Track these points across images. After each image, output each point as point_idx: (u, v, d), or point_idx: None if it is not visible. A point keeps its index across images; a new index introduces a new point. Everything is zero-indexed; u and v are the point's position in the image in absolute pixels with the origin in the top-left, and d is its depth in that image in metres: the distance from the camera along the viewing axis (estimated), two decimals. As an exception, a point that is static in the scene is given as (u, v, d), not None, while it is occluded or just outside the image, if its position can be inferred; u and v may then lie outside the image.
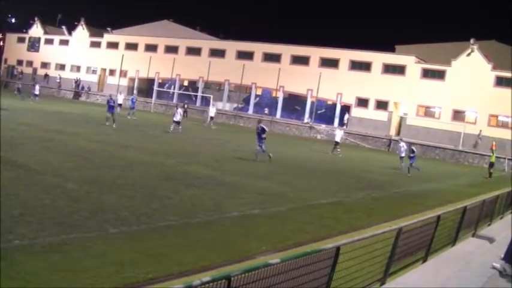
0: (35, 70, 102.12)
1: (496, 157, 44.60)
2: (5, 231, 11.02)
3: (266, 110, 73.79)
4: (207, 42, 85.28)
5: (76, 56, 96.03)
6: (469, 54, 62.15)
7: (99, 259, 10.32)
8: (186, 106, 68.06)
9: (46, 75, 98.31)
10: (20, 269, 9.24)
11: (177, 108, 43.75)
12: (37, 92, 60.92)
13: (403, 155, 37.65)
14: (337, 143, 43.81)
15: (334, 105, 72.10)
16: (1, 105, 36.09)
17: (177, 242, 12.38)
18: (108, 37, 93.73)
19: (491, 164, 43.03)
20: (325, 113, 73.43)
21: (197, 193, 18.37)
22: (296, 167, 30.74)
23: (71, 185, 16.67)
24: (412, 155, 35.40)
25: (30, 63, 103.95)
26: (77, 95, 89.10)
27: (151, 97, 79.16)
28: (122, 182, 18.44)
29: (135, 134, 36.98)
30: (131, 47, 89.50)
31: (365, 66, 68.85)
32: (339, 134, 44.88)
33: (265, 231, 14.44)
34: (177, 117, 41.94)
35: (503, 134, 57.48)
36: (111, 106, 39.45)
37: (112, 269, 9.89)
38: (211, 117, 58.73)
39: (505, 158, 52.03)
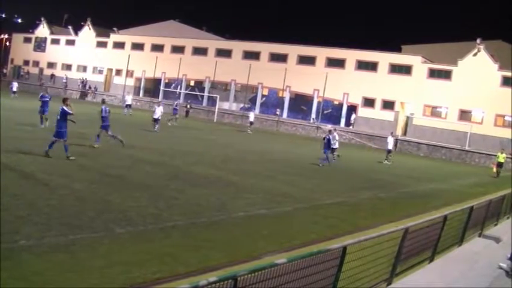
0: (41, 70, 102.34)
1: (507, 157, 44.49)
2: (12, 231, 11.06)
3: (278, 111, 73.71)
4: (214, 42, 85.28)
5: (82, 56, 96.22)
6: (475, 54, 61.97)
7: (106, 259, 10.34)
8: (188, 106, 68.01)
9: (52, 76, 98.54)
10: (27, 270, 9.27)
11: (158, 106, 43.16)
12: (15, 89, 60.68)
13: (336, 146, 35.45)
14: (389, 151, 42.35)
15: (340, 105, 72.01)
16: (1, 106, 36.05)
17: (183, 242, 12.39)
18: (114, 37, 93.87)
19: (500, 164, 43.09)
20: (332, 113, 73.35)
21: (203, 193, 18.37)
22: (302, 167, 30.71)
23: (77, 185, 16.71)
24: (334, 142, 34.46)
25: (36, 64, 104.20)
26: (83, 95, 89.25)
27: (158, 97, 79.21)
28: (129, 182, 18.47)
29: (140, 134, 36.98)
30: (137, 47, 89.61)
31: (371, 66, 68.74)
32: (391, 142, 42.73)
33: (271, 231, 14.43)
34: (157, 115, 40.85)
35: (510, 134, 57.23)
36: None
37: (118, 269, 9.91)
38: (251, 123, 58.43)
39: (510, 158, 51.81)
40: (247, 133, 53.89)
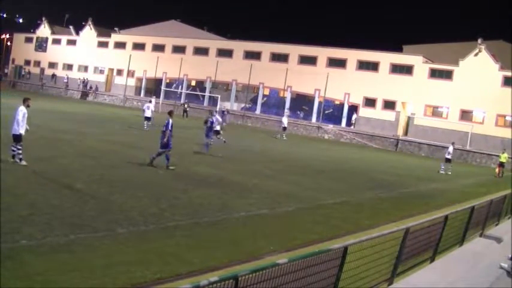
0: (42, 70, 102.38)
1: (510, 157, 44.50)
2: (13, 231, 11.09)
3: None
4: (215, 42, 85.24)
5: (83, 56, 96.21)
6: (476, 54, 61.91)
7: (108, 259, 10.37)
8: (186, 106, 67.90)
9: (53, 75, 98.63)
10: (29, 269, 9.29)
11: (150, 102, 42.81)
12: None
13: (218, 128, 33.48)
14: (448, 160, 39.38)
15: (341, 105, 71.98)
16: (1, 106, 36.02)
17: (185, 241, 12.41)
18: (115, 37, 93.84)
19: (502, 164, 43.17)
20: (333, 113, 73.32)
21: (205, 193, 18.40)
22: (304, 167, 30.72)
23: (79, 185, 16.75)
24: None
25: (37, 63, 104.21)
26: (84, 95, 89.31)
27: (159, 97, 79.21)
28: (131, 182, 18.50)
29: (144, 134, 37.02)
30: (139, 47, 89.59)
31: (373, 66, 68.68)
32: (451, 151, 39.82)
33: (273, 231, 14.46)
34: (148, 113, 40.54)
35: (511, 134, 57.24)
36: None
37: (120, 269, 9.94)
38: (285, 128, 54.26)
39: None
40: (281, 139, 50.53)
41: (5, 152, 19.15)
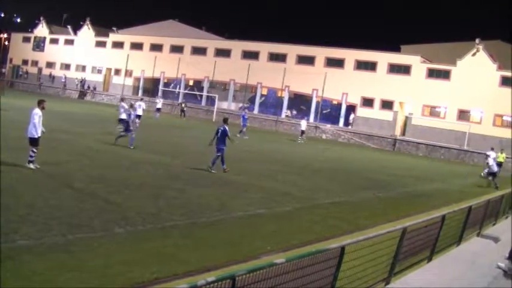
0: (40, 70, 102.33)
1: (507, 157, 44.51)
2: (11, 231, 11.08)
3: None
4: (213, 42, 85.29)
5: (81, 55, 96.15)
6: (474, 54, 62.00)
7: (106, 259, 10.37)
8: (183, 105, 67.89)
9: (50, 75, 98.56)
10: (27, 269, 9.29)
11: (141, 100, 42.77)
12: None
13: (123, 116, 31.77)
14: (494, 175, 33.90)
15: (339, 105, 72.01)
16: (1, 106, 35.98)
17: (183, 242, 12.41)
18: (113, 37, 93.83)
19: (500, 164, 43.21)
20: (331, 112, 73.37)
21: (203, 193, 18.40)
22: (301, 167, 30.73)
23: (77, 185, 16.75)
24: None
25: (35, 63, 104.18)
26: (82, 94, 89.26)
27: (156, 97, 79.21)
28: (129, 182, 18.50)
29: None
30: (137, 46, 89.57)
31: (370, 66, 68.74)
32: (492, 157, 35.05)
33: (271, 231, 14.46)
34: (139, 111, 39.74)
35: (509, 133, 57.27)
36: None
37: (118, 269, 9.94)
38: (303, 131, 53.53)
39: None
40: (300, 143, 50.33)
41: (4, 152, 19.15)
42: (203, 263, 10.80)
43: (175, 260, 10.94)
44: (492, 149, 38.37)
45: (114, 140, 28.13)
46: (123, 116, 31.75)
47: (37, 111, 18.79)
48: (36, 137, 18.55)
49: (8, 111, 35.48)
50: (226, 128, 23.90)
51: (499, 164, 43.37)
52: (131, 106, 31.02)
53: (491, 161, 34.21)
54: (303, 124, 54.33)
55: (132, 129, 28.66)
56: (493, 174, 33.91)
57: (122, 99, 38.82)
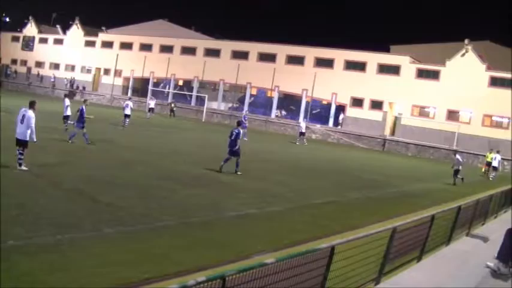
0: (29, 69, 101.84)
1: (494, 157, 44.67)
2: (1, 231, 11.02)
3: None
4: (202, 42, 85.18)
5: (70, 55, 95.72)
6: (463, 55, 62.23)
7: (96, 259, 10.34)
8: (173, 105, 67.82)
9: (38, 74, 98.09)
10: (17, 270, 9.25)
11: (129, 99, 42.77)
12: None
13: (68, 113, 31.95)
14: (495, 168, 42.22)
15: (329, 105, 72.08)
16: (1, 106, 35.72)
17: (174, 242, 12.40)
18: (102, 36, 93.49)
19: (489, 163, 43.47)
20: (320, 112, 73.41)
21: (194, 193, 18.39)
22: (292, 167, 30.76)
23: (66, 185, 16.69)
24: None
25: (24, 63, 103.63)
26: (71, 94, 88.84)
27: (146, 96, 79.01)
28: (119, 182, 18.45)
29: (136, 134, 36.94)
30: (126, 46, 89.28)
31: (360, 66, 68.84)
32: (498, 159, 41.85)
33: (262, 231, 14.48)
34: (127, 111, 41.05)
35: (498, 133, 57.66)
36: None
37: (108, 269, 9.92)
38: (302, 133, 52.59)
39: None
40: (301, 144, 49.75)
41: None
42: (194, 263, 10.78)
43: (167, 260, 10.92)
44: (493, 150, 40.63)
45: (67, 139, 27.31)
46: (68, 113, 32.12)
47: (32, 115, 18.12)
48: (33, 141, 18.17)
49: (8, 112, 35.31)
50: (241, 131, 25.26)
51: (488, 164, 43.67)
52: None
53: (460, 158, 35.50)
54: (303, 125, 53.90)
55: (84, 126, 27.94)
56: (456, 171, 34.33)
57: (65, 95, 38.97)
